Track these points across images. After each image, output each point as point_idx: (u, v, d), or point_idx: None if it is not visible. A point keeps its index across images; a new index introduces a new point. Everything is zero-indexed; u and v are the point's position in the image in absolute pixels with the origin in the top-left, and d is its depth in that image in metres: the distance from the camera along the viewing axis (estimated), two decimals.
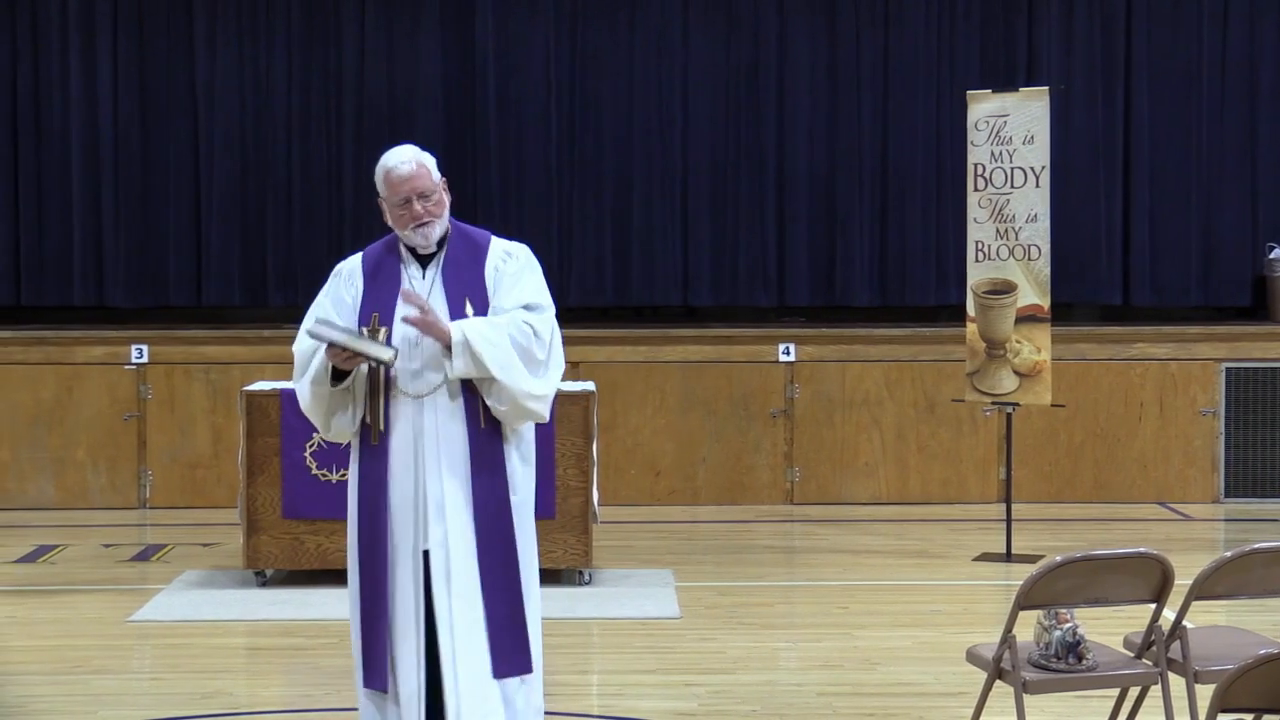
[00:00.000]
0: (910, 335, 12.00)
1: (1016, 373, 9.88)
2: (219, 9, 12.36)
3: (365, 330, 5.53)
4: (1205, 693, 4.65)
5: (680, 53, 12.51)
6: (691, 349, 11.90)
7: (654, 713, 6.71)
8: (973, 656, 5.66)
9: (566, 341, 12.42)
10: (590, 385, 9.25)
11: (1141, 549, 5.52)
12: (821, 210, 12.57)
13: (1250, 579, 5.56)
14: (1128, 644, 5.73)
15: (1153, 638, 5.54)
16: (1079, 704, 6.43)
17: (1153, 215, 12.58)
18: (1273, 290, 12.35)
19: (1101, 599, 5.49)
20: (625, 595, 8.84)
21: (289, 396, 8.92)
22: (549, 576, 9.04)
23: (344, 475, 8.86)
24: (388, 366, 5.46)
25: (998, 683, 5.51)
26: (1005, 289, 9.88)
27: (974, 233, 10.02)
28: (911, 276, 12.52)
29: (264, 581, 9.05)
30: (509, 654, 5.51)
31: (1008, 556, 9.86)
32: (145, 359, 11.76)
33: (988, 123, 9.96)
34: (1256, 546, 5.53)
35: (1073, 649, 5.41)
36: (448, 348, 5.43)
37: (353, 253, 5.89)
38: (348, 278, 5.74)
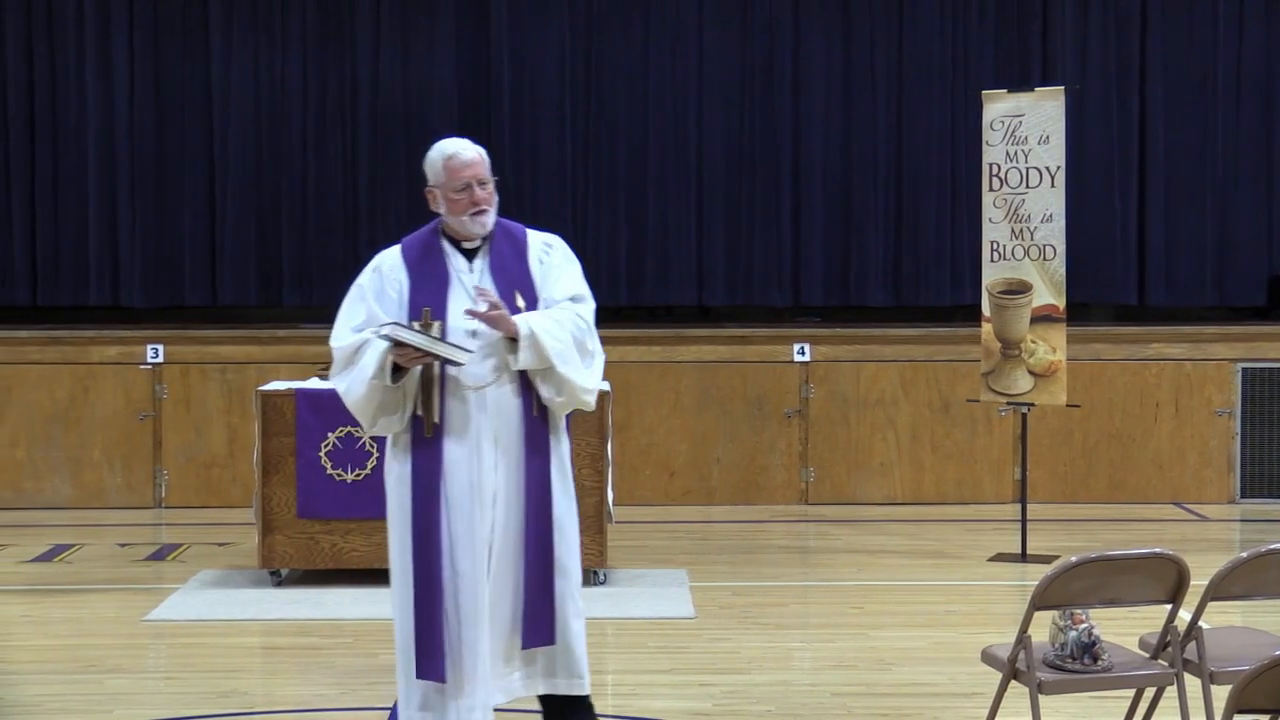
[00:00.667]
0: (925, 335, 11.99)
1: (1031, 373, 9.87)
2: (234, 9, 12.39)
3: (417, 324, 5.59)
4: (1221, 694, 4.64)
5: (695, 53, 12.52)
6: (706, 349, 11.89)
7: (668, 713, 6.71)
8: (988, 657, 5.65)
9: None
10: (605, 385, 9.24)
11: (1157, 549, 5.50)
12: (836, 210, 12.56)
13: (1266, 579, 5.55)
14: (1143, 645, 5.72)
15: (1168, 638, 5.53)
16: (1094, 705, 6.42)
17: (1168, 215, 12.56)
18: None
19: (1117, 599, 5.48)
20: (640, 595, 8.84)
21: (305, 396, 8.93)
22: None
23: (359, 475, 8.88)
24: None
25: (1013, 683, 5.50)
26: (1020, 289, 9.87)
27: (989, 233, 10.01)
28: (926, 276, 12.52)
29: (279, 581, 9.06)
30: (536, 625, 5.67)
31: (1023, 557, 9.85)
32: (161, 359, 11.78)
33: (1003, 123, 9.95)
34: (1273, 547, 5.51)
35: (1088, 649, 5.40)
36: (510, 340, 5.56)
37: (383, 247, 5.89)
38: (389, 271, 5.75)
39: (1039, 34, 12.52)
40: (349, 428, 8.89)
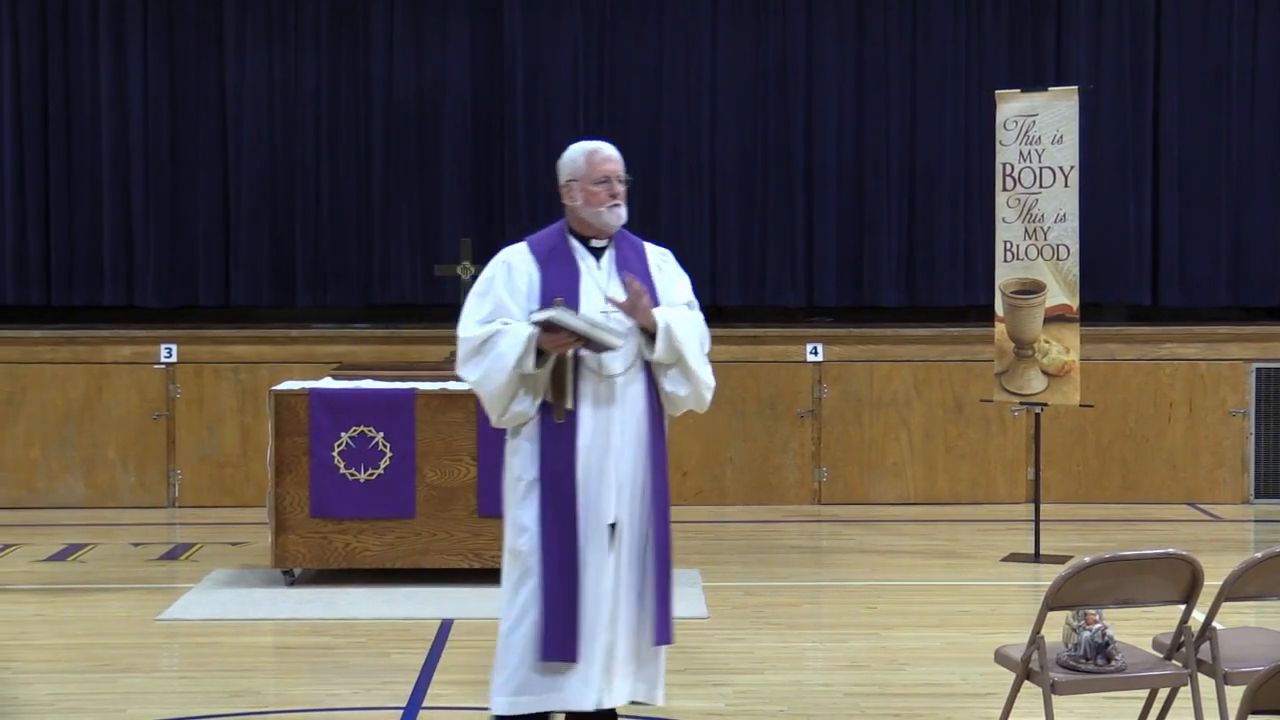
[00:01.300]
0: (938, 335, 11.98)
1: (1045, 373, 9.85)
2: (248, 9, 12.40)
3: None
4: (1235, 694, 4.63)
5: (708, 53, 12.51)
6: (719, 349, 11.77)
7: (681, 712, 6.70)
8: (1001, 657, 5.65)
9: None
10: None
11: (1171, 550, 5.50)
12: (850, 210, 12.55)
13: None
14: (1157, 645, 5.71)
15: (1182, 639, 5.52)
16: (1108, 705, 6.41)
17: (1182, 215, 12.54)
18: None
19: (1130, 600, 5.48)
20: None
21: (318, 396, 8.94)
22: None
23: (372, 474, 8.88)
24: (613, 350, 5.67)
25: (1026, 684, 5.49)
26: (1034, 289, 9.86)
27: (1002, 232, 10.00)
28: (940, 276, 12.50)
29: (292, 581, 9.07)
30: (665, 624, 5.80)
31: (1036, 557, 9.83)
32: (174, 358, 11.79)
33: (1016, 122, 9.93)
34: None
35: (1101, 650, 5.39)
36: (646, 333, 5.71)
37: (507, 244, 6.01)
38: (519, 265, 5.88)
39: (1053, 33, 12.50)
40: (362, 427, 8.90)
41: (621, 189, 5.94)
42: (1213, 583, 5.50)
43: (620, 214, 5.93)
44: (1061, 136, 9.81)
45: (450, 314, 10.91)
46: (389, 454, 8.92)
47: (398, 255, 12.43)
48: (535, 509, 5.68)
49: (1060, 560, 9.53)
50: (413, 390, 9.02)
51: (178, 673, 7.60)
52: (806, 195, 12.52)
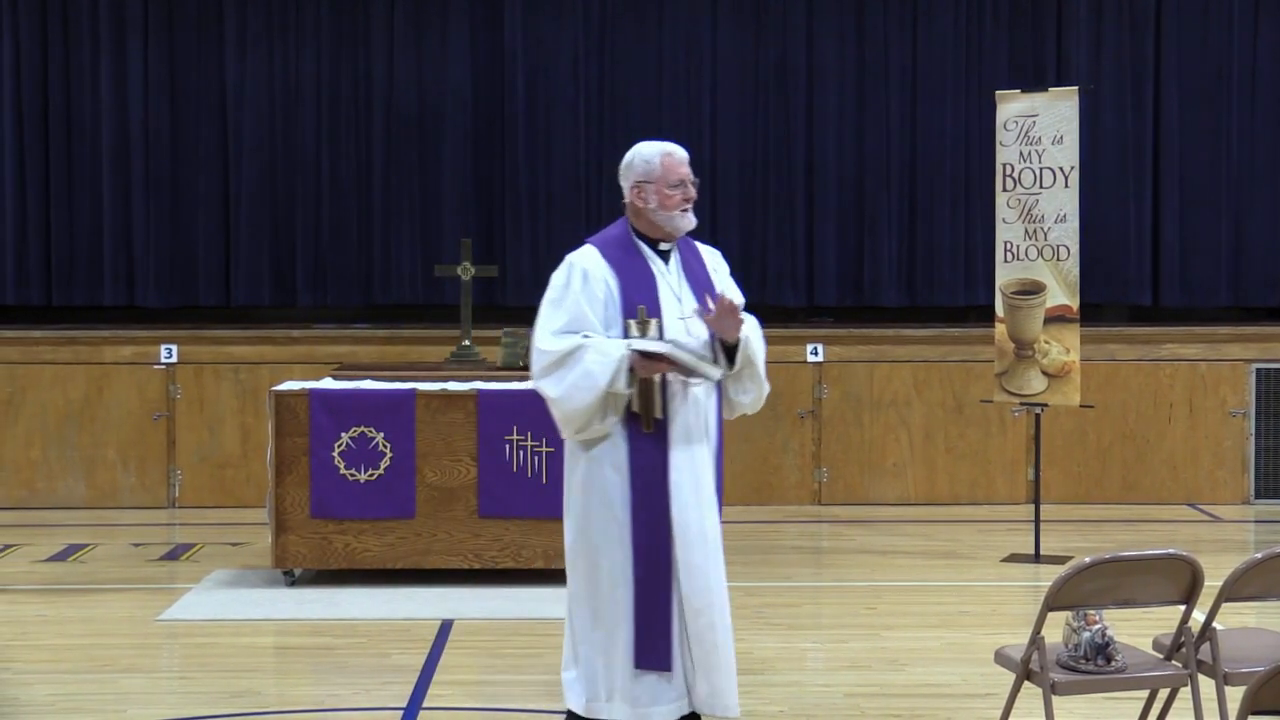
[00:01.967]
0: (939, 336, 11.98)
1: (1045, 373, 9.85)
2: (249, 9, 12.40)
3: (634, 323, 5.69)
4: (1235, 695, 4.63)
5: (709, 53, 12.52)
6: None
7: None
8: (1001, 658, 5.65)
9: None
10: None
11: (1171, 550, 5.50)
12: (850, 210, 12.55)
13: None
14: (1157, 645, 5.71)
15: (1182, 639, 5.52)
16: (1108, 706, 6.41)
17: (1182, 215, 12.54)
18: None
19: (1130, 600, 5.48)
20: None
21: (318, 396, 8.94)
22: None
23: (372, 475, 8.89)
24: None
25: (1026, 684, 5.49)
26: (1034, 289, 9.86)
27: (1003, 233, 10.00)
28: (940, 277, 12.51)
29: (292, 581, 9.07)
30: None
31: (1036, 557, 9.84)
32: (175, 359, 11.80)
33: (1016, 123, 9.94)
34: None
35: (1102, 650, 5.39)
36: (720, 343, 5.71)
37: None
38: (594, 271, 5.82)
39: (1053, 34, 12.51)
40: (362, 428, 8.91)
41: (694, 193, 5.92)
42: (1213, 583, 5.50)
43: (692, 219, 5.92)
44: (1062, 137, 9.82)
45: (451, 314, 10.98)
46: (389, 454, 8.92)
47: (398, 256, 12.44)
48: (626, 519, 5.66)
49: (1060, 561, 9.53)
50: (413, 391, 9.02)
51: (178, 673, 7.60)
52: (807, 196, 12.53)
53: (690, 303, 5.75)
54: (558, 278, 5.86)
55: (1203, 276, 12.56)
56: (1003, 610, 8.67)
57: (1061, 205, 9.81)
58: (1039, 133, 9.86)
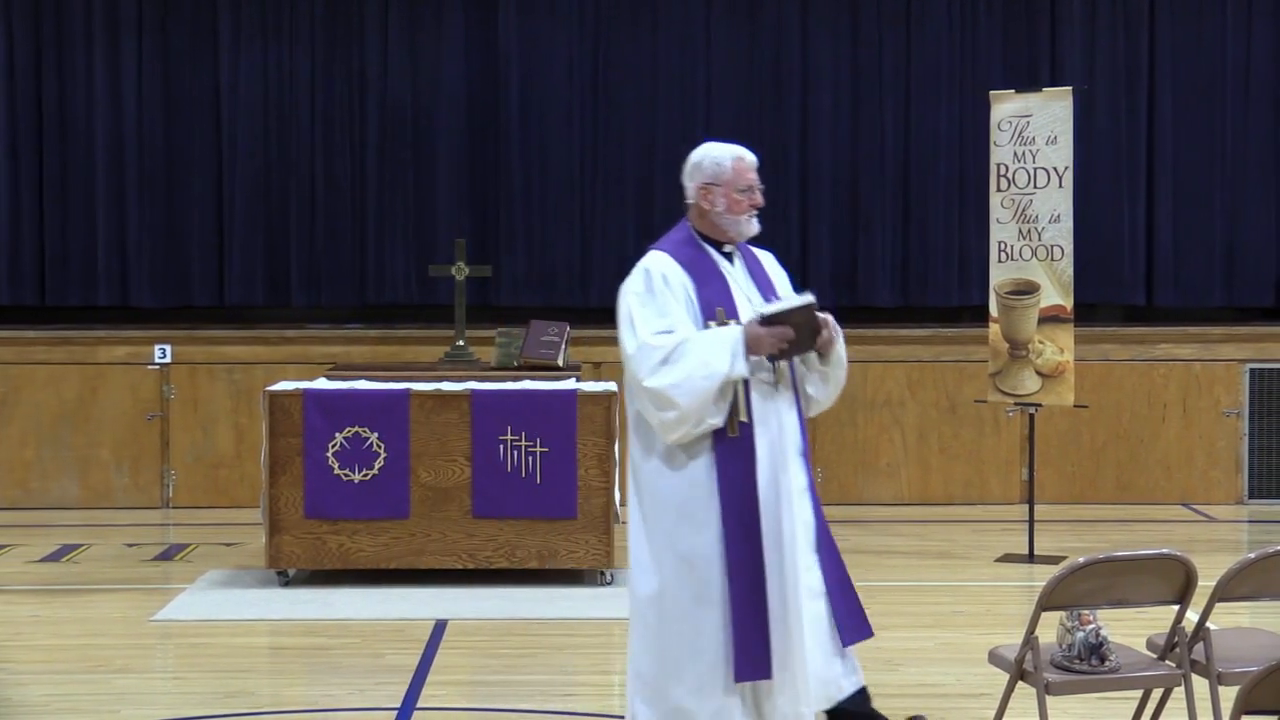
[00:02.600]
0: (932, 336, 11.98)
1: (1039, 373, 9.86)
2: (243, 9, 12.39)
3: (714, 324, 5.63)
4: (1229, 694, 4.64)
5: (703, 53, 12.51)
6: None
7: None
8: (995, 658, 5.65)
9: (588, 342, 12.45)
10: (612, 386, 9.25)
11: (1165, 550, 5.50)
12: (844, 211, 12.55)
13: (1274, 580, 5.54)
14: (1151, 645, 5.71)
15: (1176, 639, 5.52)
16: (1101, 706, 6.41)
17: (1176, 215, 12.55)
18: None
19: (1124, 600, 5.48)
20: None
21: (312, 396, 8.94)
22: (571, 577, 9.07)
23: (366, 475, 8.88)
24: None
25: (1020, 684, 5.49)
26: (1028, 289, 9.86)
27: (997, 233, 10.00)
28: (934, 277, 12.51)
29: (286, 581, 9.07)
30: (854, 623, 5.80)
31: (1030, 557, 9.84)
32: (168, 359, 11.79)
33: (1011, 123, 9.94)
34: None
35: (1095, 650, 5.39)
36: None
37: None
38: (671, 273, 5.74)
39: (1047, 34, 12.51)
40: (356, 428, 8.90)
41: (761, 199, 5.87)
42: (1206, 583, 5.51)
43: (756, 225, 5.87)
44: (1056, 137, 9.82)
45: (445, 315, 10.98)
46: (383, 454, 8.91)
47: (392, 256, 12.43)
48: (715, 527, 5.56)
49: (1054, 561, 9.53)
50: (407, 391, 9.01)
51: (172, 673, 7.60)
52: (801, 196, 12.53)
53: (759, 303, 5.70)
54: (636, 284, 5.72)
55: (1197, 276, 12.57)
56: (997, 610, 8.68)
57: (1055, 205, 9.81)
58: (1033, 133, 9.86)
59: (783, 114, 12.52)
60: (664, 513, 5.61)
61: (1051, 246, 9.81)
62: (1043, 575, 8.13)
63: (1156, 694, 5.79)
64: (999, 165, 9.98)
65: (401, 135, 12.45)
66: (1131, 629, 6.07)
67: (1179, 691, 5.55)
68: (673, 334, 5.56)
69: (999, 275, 9.98)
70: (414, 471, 8.94)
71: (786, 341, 5.55)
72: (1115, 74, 12.50)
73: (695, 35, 12.50)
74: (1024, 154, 9.89)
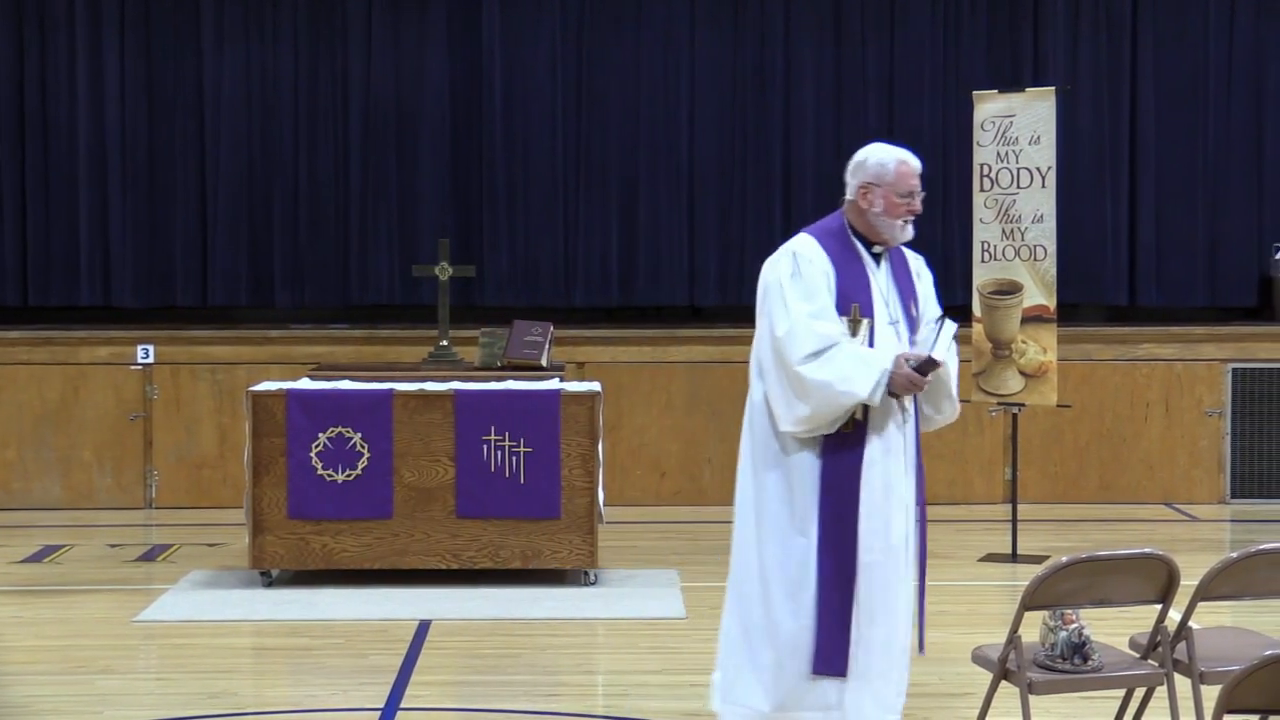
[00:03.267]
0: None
1: (1022, 373, 9.87)
2: (226, 8, 12.37)
3: (847, 320, 5.65)
4: (1211, 694, 4.64)
5: (686, 53, 12.52)
6: (697, 349, 11.89)
7: (659, 713, 6.70)
8: (978, 657, 5.66)
9: (571, 342, 12.43)
10: (596, 386, 9.25)
11: (1147, 549, 5.51)
12: (828, 210, 12.39)
13: (1256, 579, 5.55)
14: (1133, 645, 5.72)
15: (1158, 638, 5.53)
16: (1084, 705, 6.42)
17: (1159, 216, 12.57)
18: (1279, 290, 12.34)
19: (1107, 600, 5.49)
20: (630, 595, 8.84)
21: (295, 397, 8.93)
22: (555, 577, 9.07)
23: (349, 475, 8.88)
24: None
25: (1003, 683, 5.50)
26: (1011, 289, 9.87)
27: (980, 233, 10.01)
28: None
29: (270, 582, 9.05)
30: (922, 635, 5.99)
31: (1013, 557, 9.85)
32: (151, 359, 11.76)
33: (994, 123, 9.95)
34: (1262, 547, 5.51)
35: (1078, 650, 5.40)
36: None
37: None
38: (816, 259, 5.75)
39: (1030, 34, 12.53)
40: (340, 428, 8.89)
41: (920, 206, 5.83)
42: (1189, 582, 5.51)
43: (911, 231, 5.83)
44: (1039, 137, 9.83)
45: (428, 314, 10.97)
46: (367, 455, 8.91)
47: (376, 256, 12.42)
48: (815, 521, 5.64)
49: (1037, 560, 9.54)
50: (390, 391, 9.00)
51: (155, 674, 7.59)
52: (784, 196, 12.53)
53: (897, 309, 5.73)
54: (783, 265, 5.75)
55: (1179, 276, 12.59)
56: (980, 610, 8.69)
57: (1039, 205, 9.82)
58: (1016, 133, 9.88)
59: (766, 113, 12.52)
60: (767, 495, 5.75)
61: (1034, 246, 9.82)
62: (1026, 575, 8.14)
63: (1139, 693, 5.80)
64: (982, 165, 9.99)
65: (385, 135, 12.43)
66: (1114, 628, 6.07)
67: (1161, 691, 5.56)
68: (830, 330, 5.59)
69: (982, 275, 9.99)
70: (397, 472, 8.94)
71: (925, 384, 5.63)
72: (1098, 74, 12.52)
73: (679, 35, 12.50)
74: (1007, 154, 9.90)
